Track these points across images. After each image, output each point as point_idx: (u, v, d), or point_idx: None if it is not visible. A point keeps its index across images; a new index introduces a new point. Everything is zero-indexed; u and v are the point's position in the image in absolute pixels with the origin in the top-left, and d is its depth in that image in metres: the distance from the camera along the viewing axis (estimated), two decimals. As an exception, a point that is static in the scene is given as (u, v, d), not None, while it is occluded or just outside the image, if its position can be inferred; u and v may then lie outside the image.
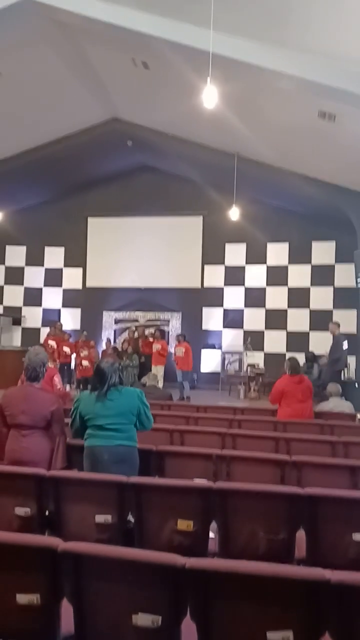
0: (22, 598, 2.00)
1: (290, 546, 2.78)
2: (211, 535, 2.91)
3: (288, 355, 10.89)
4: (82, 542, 2.08)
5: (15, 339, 14.59)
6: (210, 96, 6.11)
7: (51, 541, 2.05)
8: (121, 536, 2.90)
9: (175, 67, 7.88)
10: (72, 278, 14.64)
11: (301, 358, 11.16)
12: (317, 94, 7.42)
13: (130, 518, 2.96)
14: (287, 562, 2.69)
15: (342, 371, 9.91)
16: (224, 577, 1.86)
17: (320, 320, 12.37)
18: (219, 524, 2.86)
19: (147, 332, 13.26)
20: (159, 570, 1.90)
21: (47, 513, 3.08)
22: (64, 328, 13.62)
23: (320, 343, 11.56)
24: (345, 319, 12.13)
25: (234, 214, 11.21)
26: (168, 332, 13.85)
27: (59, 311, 14.63)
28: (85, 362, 11.68)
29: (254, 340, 13.05)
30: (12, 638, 2.27)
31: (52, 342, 12.37)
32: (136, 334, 13.27)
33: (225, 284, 13.90)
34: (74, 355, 12.60)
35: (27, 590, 2.01)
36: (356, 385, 10.15)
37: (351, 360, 10.95)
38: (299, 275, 13.29)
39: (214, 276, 13.93)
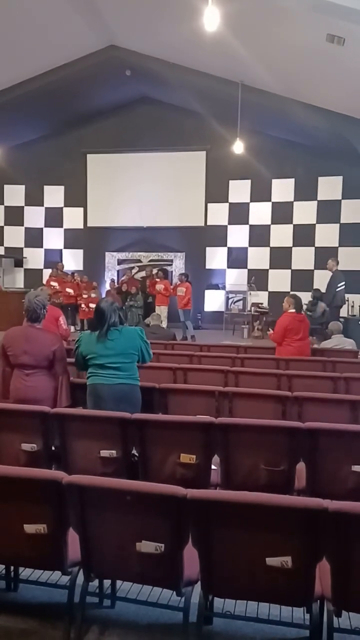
0: (29, 528, 2.10)
1: (290, 478, 2.85)
2: (213, 467, 2.99)
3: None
4: (85, 475, 2.14)
5: (18, 281, 14.56)
6: (211, 18, 5.76)
7: (55, 474, 2.13)
8: (126, 469, 2.98)
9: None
10: (73, 218, 14.39)
11: (307, 297, 11.13)
12: (326, 14, 6.95)
13: (135, 452, 3.03)
14: (287, 493, 2.76)
15: (341, 308, 9.89)
16: (224, 506, 1.92)
17: (326, 258, 12.14)
18: (221, 457, 2.93)
19: (153, 272, 13.17)
20: (161, 501, 1.97)
21: (53, 448, 3.16)
22: (65, 269, 13.54)
23: (325, 281, 11.46)
24: (351, 257, 11.97)
25: (238, 147, 10.81)
26: (171, 272, 13.75)
27: (60, 252, 14.49)
28: (92, 305, 11.61)
29: (258, 279, 12.96)
30: (23, 564, 2.41)
31: (54, 283, 12.33)
32: (145, 273, 13.16)
33: (229, 223, 13.63)
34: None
35: (34, 521, 2.11)
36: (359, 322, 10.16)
37: (356, 298, 10.90)
38: (304, 212, 12.99)
39: (218, 214, 13.64)
